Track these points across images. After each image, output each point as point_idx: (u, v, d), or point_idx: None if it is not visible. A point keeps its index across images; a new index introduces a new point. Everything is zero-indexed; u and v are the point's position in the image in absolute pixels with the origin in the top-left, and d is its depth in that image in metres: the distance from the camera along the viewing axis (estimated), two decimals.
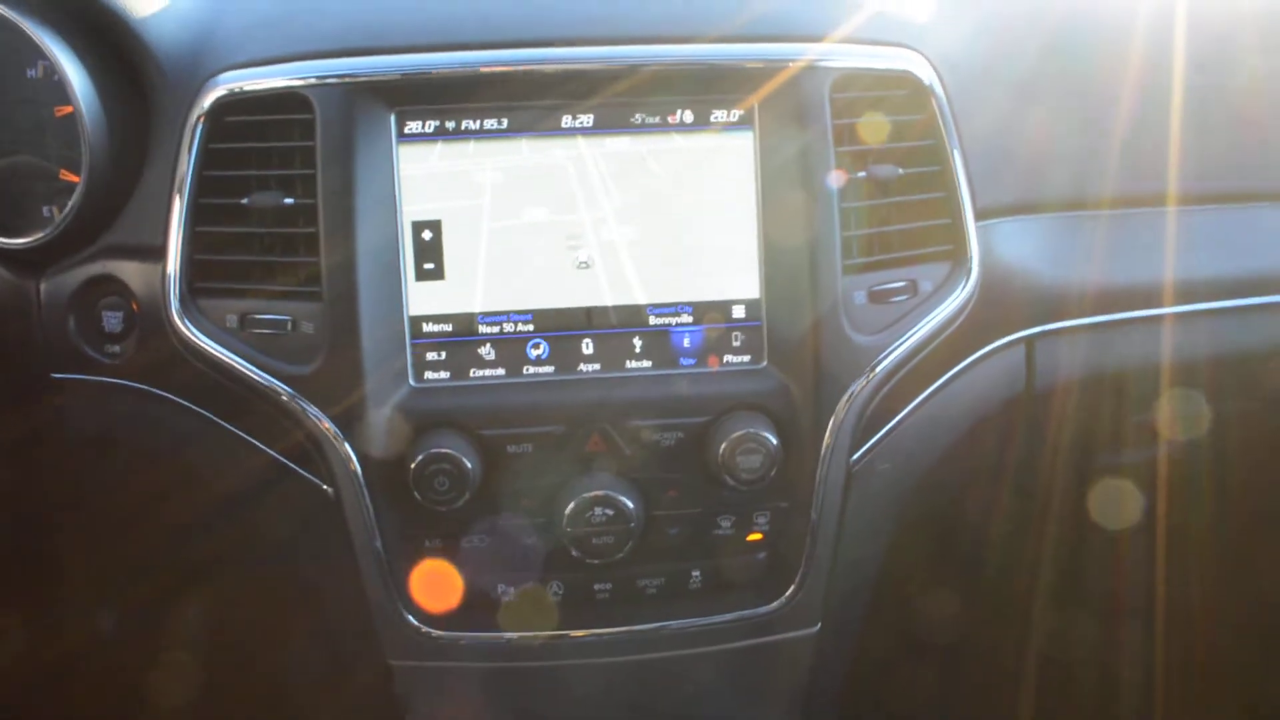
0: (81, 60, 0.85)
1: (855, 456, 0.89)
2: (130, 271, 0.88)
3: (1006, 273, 0.92)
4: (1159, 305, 0.95)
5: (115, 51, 0.86)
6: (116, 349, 0.90)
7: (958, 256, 0.89)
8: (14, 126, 0.85)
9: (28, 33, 0.82)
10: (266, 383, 0.84)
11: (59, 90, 0.84)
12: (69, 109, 0.84)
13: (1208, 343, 0.98)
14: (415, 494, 0.82)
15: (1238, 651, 1.28)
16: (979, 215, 0.89)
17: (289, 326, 0.84)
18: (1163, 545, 1.07)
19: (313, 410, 0.83)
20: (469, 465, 0.82)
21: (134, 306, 0.88)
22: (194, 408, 0.89)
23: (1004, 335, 0.93)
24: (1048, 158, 0.94)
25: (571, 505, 0.83)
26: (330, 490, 0.85)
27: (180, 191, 0.84)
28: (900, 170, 0.87)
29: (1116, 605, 1.17)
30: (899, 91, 0.87)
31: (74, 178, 0.85)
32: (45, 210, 0.87)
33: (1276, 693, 1.31)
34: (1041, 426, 0.97)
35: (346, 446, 0.84)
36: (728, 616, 0.91)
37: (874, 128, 0.87)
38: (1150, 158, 0.96)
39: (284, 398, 0.84)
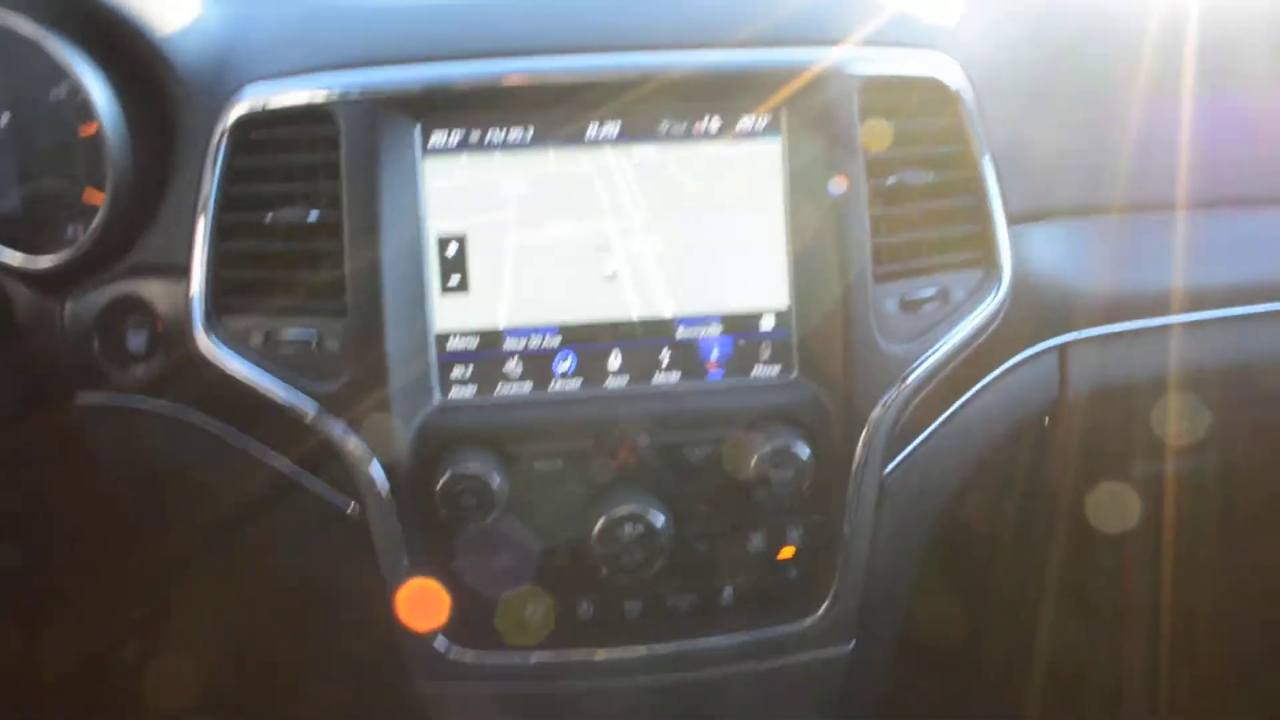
0: (105, 79, 0.83)
1: (888, 469, 0.86)
2: (155, 290, 0.86)
3: (1040, 279, 0.89)
4: (1199, 309, 0.92)
5: (139, 70, 0.85)
6: (141, 368, 0.88)
7: (989, 263, 0.86)
8: (39, 147, 0.83)
9: (53, 54, 0.81)
10: (291, 400, 0.81)
11: (83, 110, 0.82)
12: (93, 128, 0.82)
13: (1251, 347, 0.94)
14: (442, 511, 0.79)
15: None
16: (1012, 220, 0.86)
17: (314, 343, 0.81)
18: (1209, 550, 1.03)
19: (338, 427, 0.81)
20: (496, 482, 0.79)
21: (158, 326, 0.86)
22: (218, 426, 0.86)
23: (1037, 343, 0.90)
24: (1079, 161, 0.91)
25: (601, 522, 0.80)
26: (356, 508, 0.83)
27: (204, 209, 0.82)
28: (930, 176, 0.84)
29: (1158, 613, 1.13)
30: (927, 96, 0.85)
31: (98, 197, 0.84)
32: (70, 230, 0.85)
33: None
34: (1076, 435, 0.93)
35: (373, 463, 0.81)
36: (760, 634, 0.87)
37: (902, 133, 0.84)
38: (1186, 159, 0.93)
39: (309, 415, 0.81)
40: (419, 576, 0.82)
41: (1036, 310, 0.89)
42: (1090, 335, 0.91)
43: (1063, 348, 0.91)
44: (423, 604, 0.83)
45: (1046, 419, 0.92)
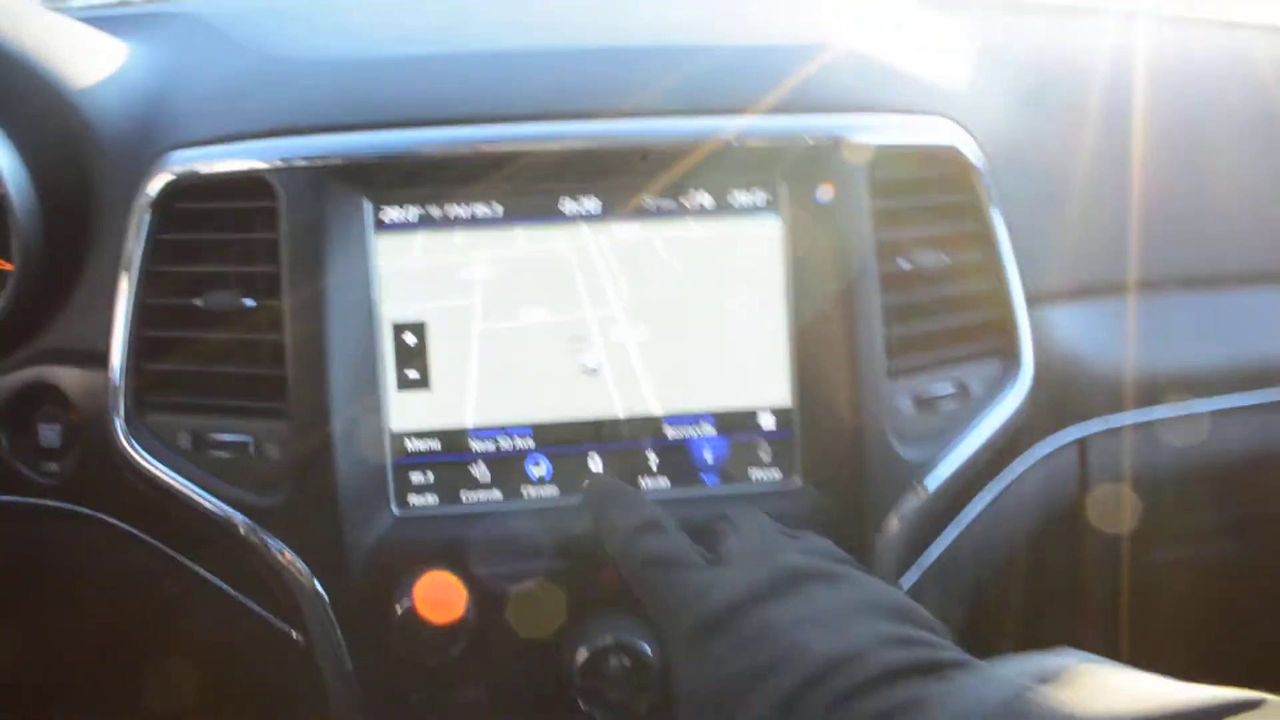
0: (10, 136, 0.71)
1: (903, 586, 0.75)
2: (70, 379, 0.73)
3: (1059, 366, 0.79)
4: (1225, 393, 0.83)
5: (49, 127, 0.73)
6: (54, 467, 0.75)
7: (1009, 352, 0.76)
8: None
9: None
10: (225, 514, 0.69)
11: None
12: None
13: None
14: (400, 647, 0.68)
15: None
16: (1030, 303, 0.77)
17: (251, 449, 0.69)
18: (1239, 643, 0.93)
19: (279, 546, 0.69)
20: (462, 609, 0.68)
21: (74, 417, 0.74)
22: (143, 536, 0.74)
23: (1057, 435, 0.80)
24: (1101, 235, 0.82)
25: (583, 654, 0.68)
26: (300, 638, 0.71)
27: (125, 289, 0.70)
28: (945, 258, 0.74)
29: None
30: (940, 168, 0.74)
31: (6, 265, 0.72)
32: None
33: None
34: (1097, 531, 0.84)
35: (319, 587, 0.69)
36: None
37: (915, 210, 0.74)
38: (1213, 234, 0.84)
39: (245, 532, 0.69)
40: (373, 715, 0.71)
41: (1056, 400, 0.79)
42: (1113, 424, 0.81)
43: (1083, 440, 0.81)
44: None
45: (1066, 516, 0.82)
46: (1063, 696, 0.38)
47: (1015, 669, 0.41)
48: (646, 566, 0.58)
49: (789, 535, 0.61)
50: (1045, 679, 0.39)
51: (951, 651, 0.48)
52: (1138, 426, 0.82)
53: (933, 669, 0.43)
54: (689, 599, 0.54)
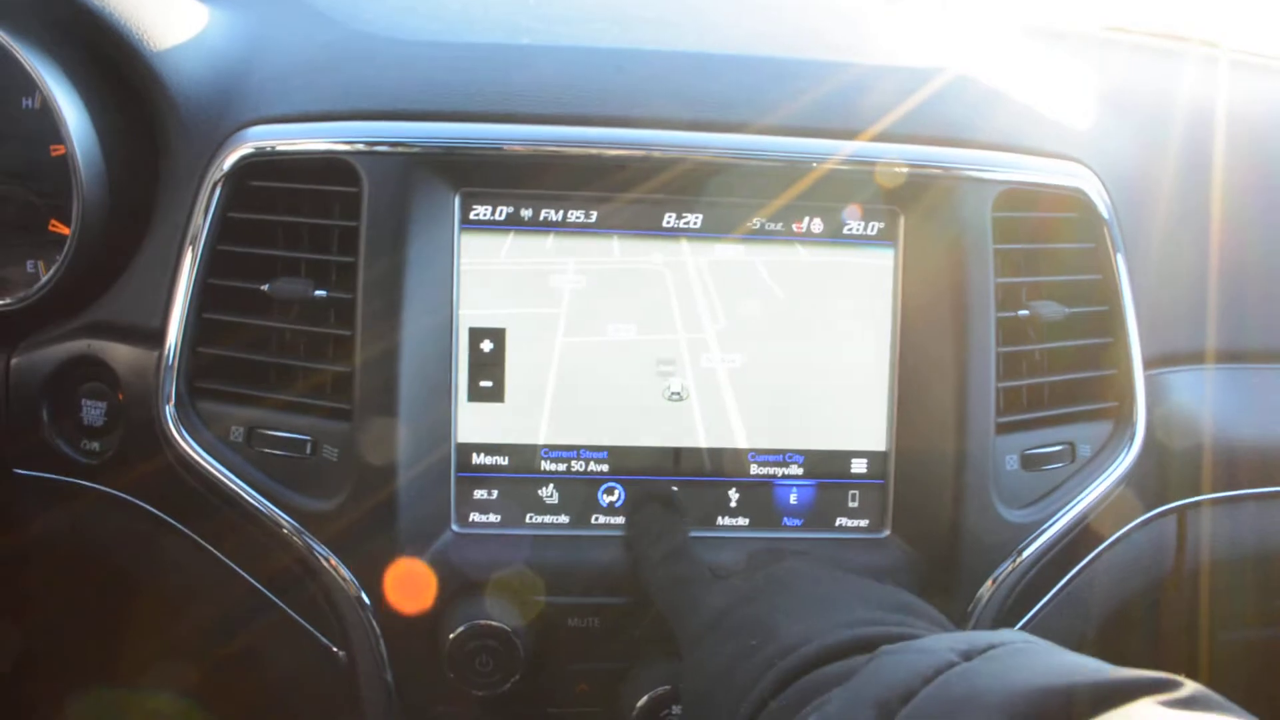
0: (81, 94, 0.66)
1: None
2: (119, 355, 0.68)
3: (1168, 433, 0.72)
4: None
5: (125, 87, 0.67)
6: (96, 446, 0.70)
7: (1123, 415, 0.69)
8: (1, 164, 0.67)
9: (17, 56, 0.64)
10: (274, 517, 0.63)
11: (55, 126, 0.65)
12: (62, 150, 0.66)
13: None
14: (450, 674, 0.62)
15: None
16: (1146, 364, 0.70)
17: (308, 449, 0.63)
18: None
19: (324, 552, 0.63)
20: (519, 641, 0.62)
21: (120, 397, 0.68)
22: (184, 529, 0.68)
23: (1157, 505, 0.74)
24: (1227, 298, 0.75)
25: (644, 700, 0.62)
26: (343, 654, 0.65)
27: (187, 266, 0.64)
28: (1065, 309, 0.67)
29: None
30: (1066, 213, 0.68)
31: (64, 230, 0.67)
32: (30, 265, 0.69)
33: None
34: (1192, 610, 0.77)
35: (366, 602, 0.63)
36: None
37: (1038, 256, 0.68)
38: None
39: (294, 538, 0.63)
40: None
41: (1162, 468, 0.72)
42: (1217, 498, 0.74)
43: (1182, 510, 0.75)
44: None
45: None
46: (980, 669, 0.39)
47: (945, 643, 0.42)
48: (666, 588, 0.61)
49: (797, 554, 0.62)
50: (970, 654, 0.40)
51: (907, 630, 0.50)
52: (1240, 500, 0.75)
53: (870, 645, 0.46)
54: (695, 608, 0.57)
